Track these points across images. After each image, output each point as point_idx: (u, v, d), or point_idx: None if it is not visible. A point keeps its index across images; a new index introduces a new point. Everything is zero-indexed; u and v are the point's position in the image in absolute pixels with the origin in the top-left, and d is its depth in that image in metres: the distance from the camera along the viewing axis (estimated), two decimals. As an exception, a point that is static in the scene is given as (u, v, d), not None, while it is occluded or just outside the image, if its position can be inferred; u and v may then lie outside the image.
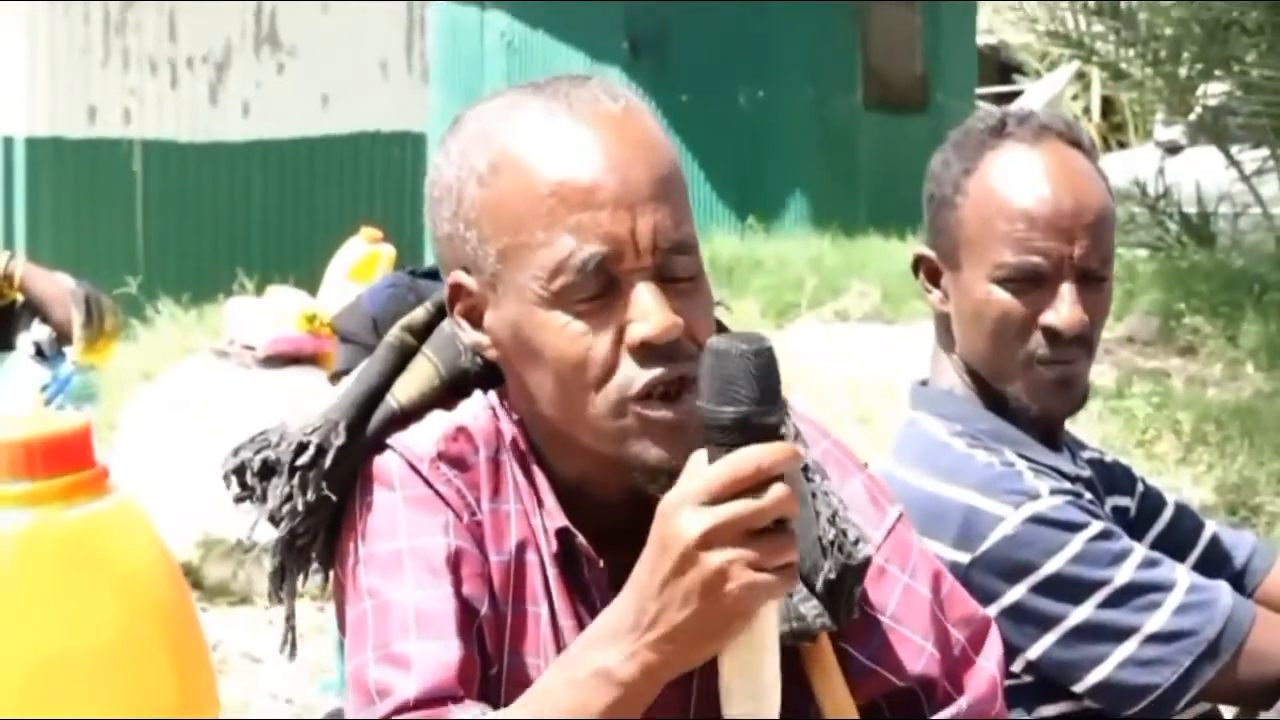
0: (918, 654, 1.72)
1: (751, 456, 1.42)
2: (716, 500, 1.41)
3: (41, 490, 2.18)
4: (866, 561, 1.65)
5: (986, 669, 1.77)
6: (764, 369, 1.44)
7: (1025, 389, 2.17)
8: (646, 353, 1.56)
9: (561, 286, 1.57)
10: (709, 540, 1.41)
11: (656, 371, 1.56)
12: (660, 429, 1.56)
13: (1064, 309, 2.13)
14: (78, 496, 2.20)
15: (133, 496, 2.31)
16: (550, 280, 1.58)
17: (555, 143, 1.59)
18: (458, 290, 1.66)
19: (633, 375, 1.57)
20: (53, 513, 2.18)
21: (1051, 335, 2.14)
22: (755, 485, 1.41)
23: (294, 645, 1.78)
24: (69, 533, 2.19)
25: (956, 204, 2.18)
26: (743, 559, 1.41)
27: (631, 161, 1.59)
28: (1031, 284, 2.14)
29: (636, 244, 1.57)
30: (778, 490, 1.42)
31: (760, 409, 1.43)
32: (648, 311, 1.56)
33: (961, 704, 1.74)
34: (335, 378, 4.20)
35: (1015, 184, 2.14)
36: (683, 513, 1.42)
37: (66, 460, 2.21)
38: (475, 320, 1.66)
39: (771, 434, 1.44)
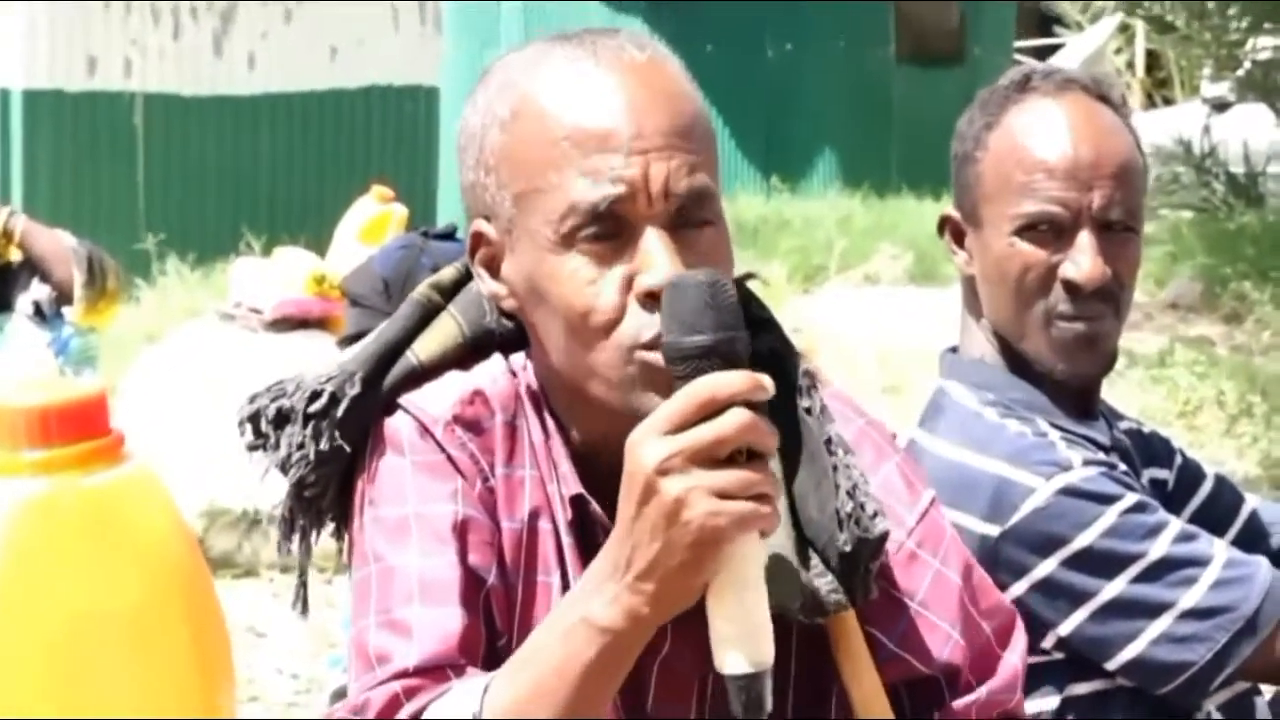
0: (944, 641, 1.73)
1: (707, 383, 1.44)
2: (677, 430, 1.43)
3: (58, 458, 2.24)
4: (884, 536, 1.65)
5: (1011, 661, 1.77)
6: (719, 298, 1.47)
7: (1047, 347, 2.16)
8: (653, 302, 1.56)
9: (571, 228, 1.58)
10: (665, 468, 1.43)
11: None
12: (665, 378, 1.53)
13: (1083, 260, 2.12)
14: (94, 464, 2.26)
15: (148, 463, 2.37)
16: (561, 223, 1.59)
17: (575, 88, 1.62)
18: (479, 239, 1.68)
19: (640, 323, 1.57)
20: (69, 480, 2.24)
21: (1071, 288, 2.13)
22: (713, 413, 1.43)
23: (305, 603, 1.81)
24: (86, 500, 2.25)
25: (977, 159, 2.19)
26: (703, 486, 1.42)
27: (650, 108, 1.60)
28: (1050, 235, 2.14)
29: (649, 189, 1.58)
30: (736, 414, 1.43)
31: (718, 337, 1.46)
32: (656, 260, 1.57)
33: (981, 692, 1.74)
34: (344, 342, 3.88)
35: (1034, 135, 2.15)
36: (643, 443, 1.45)
37: (83, 427, 2.26)
38: (495, 270, 1.68)
39: (736, 362, 1.46)
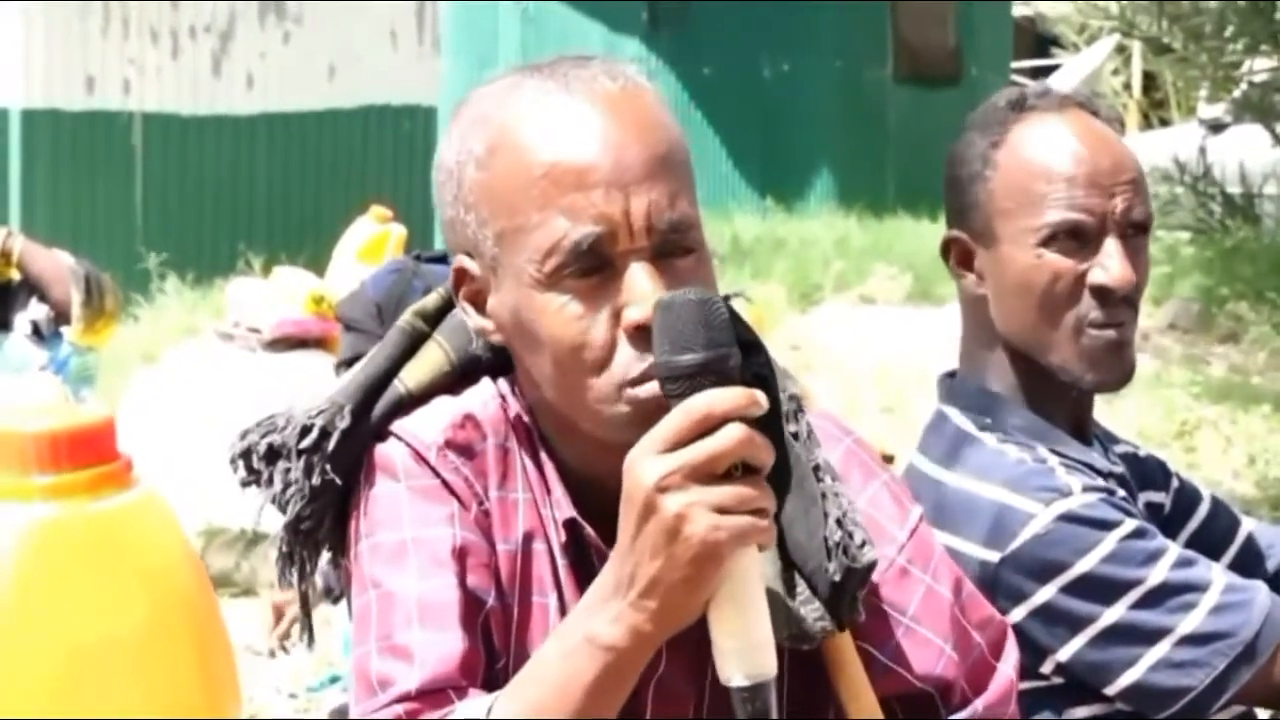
0: (937, 656, 1.74)
1: (703, 399, 1.45)
2: (673, 447, 1.44)
3: (67, 483, 2.25)
4: (871, 566, 1.65)
5: (1004, 673, 1.78)
6: (711, 316, 1.48)
7: (1076, 356, 2.16)
8: (641, 336, 1.56)
9: (554, 268, 1.58)
10: (664, 485, 1.44)
11: (651, 357, 1.55)
12: (654, 409, 1.54)
13: (1113, 265, 2.14)
14: (103, 489, 2.28)
15: (156, 488, 2.39)
16: (544, 262, 1.58)
17: (549, 123, 1.61)
18: (462, 275, 1.68)
19: (628, 359, 1.58)
20: (78, 505, 2.25)
21: (1101, 294, 2.14)
22: (710, 429, 1.44)
23: (311, 634, 1.83)
24: (95, 525, 2.26)
25: (987, 178, 2.19)
26: (702, 502, 1.43)
27: (626, 141, 1.60)
28: (1077, 243, 2.15)
29: (630, 224, 1.58)
30: (731, 430, 1.44)
31: (711, 354, 1.47)
32: (641, 294, 1.56)
33: (977, 706, 1.75)
34: (340, 366, 3.87)
35: (1049, 148, 2.16)
36: (641, 462, 1.45)
37: (92, 452, 2.28)
38: (479, 305, 1.67)
39: (729, 379, 1.47)
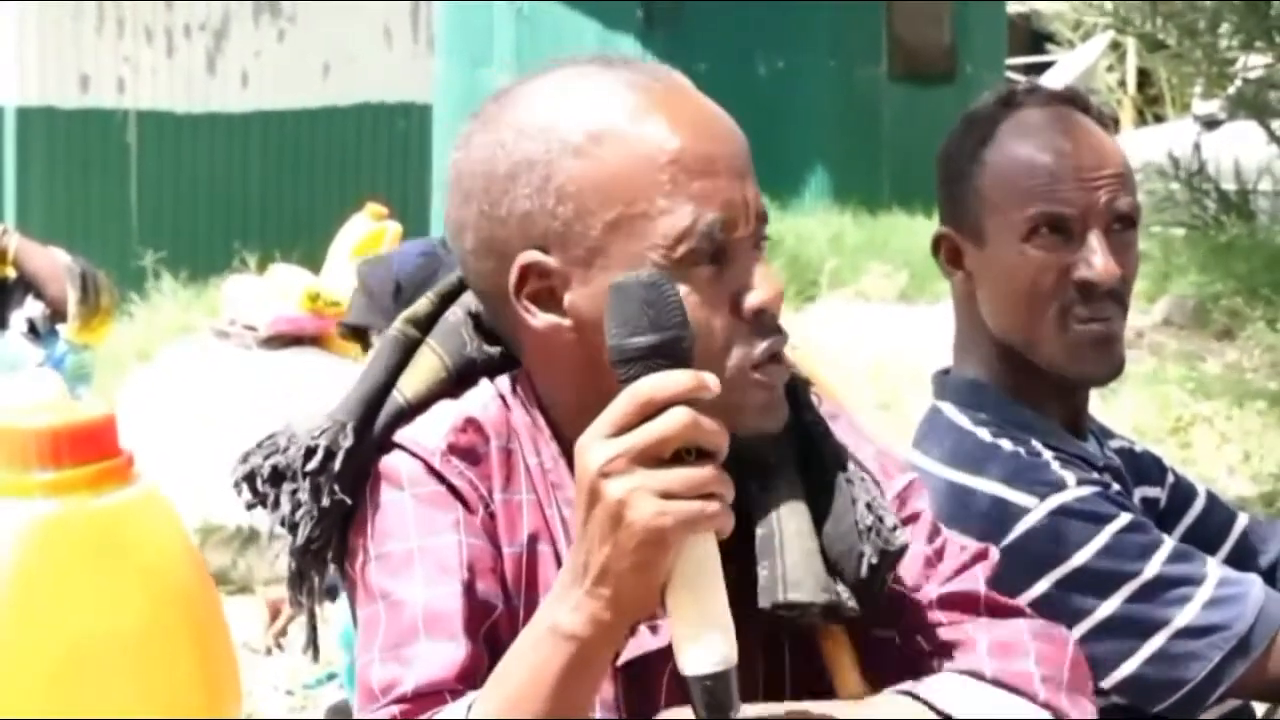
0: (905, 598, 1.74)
1: (648, 384, 1.44)
2: (619, 432, 1.44)
3: (68, 479, 2.25)
4: (904, 549, 1.67)
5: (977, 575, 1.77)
6: (661, 298, 1.47)
7: (1062, 351, 2.16)
8: (761, 320, 1.61)
9: (685, 253, 1.59)
10: (608, 470, 1.43)
11: (771, 338, 1.61)
12: (774, 391, 1.61)
13: (1096, 260, 2.14)
14: (104, 485, 2.28)
15: (157, 484, 2.40)
16: (673, 248, 1.59)
17: (657, 113, 1.62)
18: (528, 271, 1.64)
19: (750, 344, 1.61)
20: (79, 501, 2.26)
21: (1086, 288, 2.15)
22: (656, 413, 1.43)
23: (316, 646, 1.82)
24: (96, 521, 2.26)
25: (975, 175, 2.20)
26: (645, 487, 1.42)
27: (727, 131, 1.64)
28: (1061, 236, 2.15)
29: (747, 211, 1.62)
30: (676, 414, 1.43)
31: (662, 336, 1.46)
32: (760, 280, 1.61)
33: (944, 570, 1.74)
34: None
35: (1034, 143, 2.17)
36: (588, 447, 1.45)
37: (93, 448, 2.28)
38: (547, 302, 1.64)
39: (682, 362, 1.46)
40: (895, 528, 1.66)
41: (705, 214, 1.59)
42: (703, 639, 1.46)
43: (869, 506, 1.67)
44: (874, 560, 1.64)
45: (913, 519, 1.76)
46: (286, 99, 12.47)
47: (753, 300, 1.60)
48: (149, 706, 2.19)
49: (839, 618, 1.66)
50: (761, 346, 1.60)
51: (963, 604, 1.73)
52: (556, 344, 1.65)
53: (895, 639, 1.72)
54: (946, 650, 1.71)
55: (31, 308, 5.56)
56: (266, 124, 12.40)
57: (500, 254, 1.65)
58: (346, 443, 1.66)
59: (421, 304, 1.77)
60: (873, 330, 8.07)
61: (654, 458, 1.43)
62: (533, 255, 1.63)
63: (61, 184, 11.63)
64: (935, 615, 1.72)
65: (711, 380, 1.45)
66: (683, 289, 1.56)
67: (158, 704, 2.20)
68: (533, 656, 1.51)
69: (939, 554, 1.76)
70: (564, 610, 1.49)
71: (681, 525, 1.43)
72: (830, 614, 1.65)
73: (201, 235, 11.64)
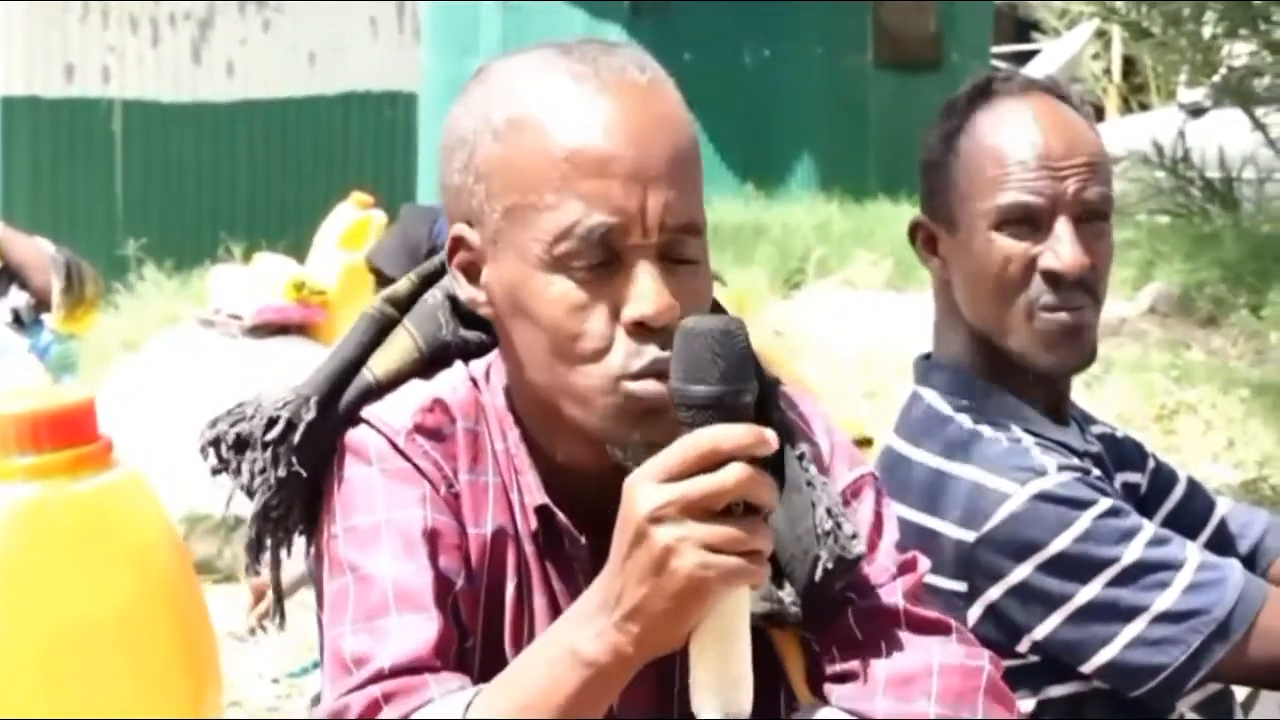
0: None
1: (709, 435, 1.43)
2: (674, 478, 1.43)
3: (48, 463, 2.25)
4: (860, 557, 1.67)
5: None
6: (732, 349, 1.45)
7: (1030, 340, 2.16)
8: (641, 332, 1.57)
9: (564, 252, 1.58)
10: (658, 516, 1.42)
11: (652, 353, 1.57)
12: (649, 406, 1.57)
13: (1063, 250, 2.13)
14: (84, 469, 2.28)
15: (137, 469, 2.39)
16: (554, 245, 1.59)
17: (576, 107, 1.60)
18: (458, 243, 1.67)
19: (628, 353, 1.58)
20: (59, 485, 2.25)
21: (1053, 279, 2.14)
22: (713, 464, 1.42)
23: (283, 616, 1.85)
24: (76, 505, 2.26)
25: (948, 163, 2.20)
26: (693, 538, 1.42)
27: (651, 136, 1.60)
28: (1028, 226, 2.15)
29: (644, 220, 1.58)
30: (734, 470, 1.42)
31: (725, 388, 1.44)
32: (647, 291, 1.57)
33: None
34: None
35: (1005, 132, 2.17)
36: (640, 488, 1.44)
37: (72, 433, 2.28)
38: (473, 275, 1.67)
39: (741, 415, 1.45)
40: (854, 535, 1.66)
41: (592, 215, 1.57)
42: (721, 689, 1.47)
43: (829, 512, 1.66)
44: (829, 565, 1.64)
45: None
46: (272, 88, 12.46)
47: (631, 311, 1.57)
48: (131, 689, 2.20)
49: (782, 624, 1.66)
50: (643, 361, 1.57)
51: (881, 617, 1.71)
52: (495, 320, 1.67)
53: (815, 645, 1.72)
54: (846, 677, 1.69)
55: (16, 297, 5.58)
56: (252, 113, 12.38)
57: (450, 222, 1.70)
58: (308, 415, 1.68)
59: (402, 284, 1.78)
60: (859, 318, 8.06)
61: (705, 510, 1.42)
62: (461, 228, 1.67)
63: (46, 173, 11.62)
64: (850, 629, 1.70)
65: (771, 436, 1.44)
66: (560, 285, 1.58)
67: (140, 686, 2.21)
68: (547, 673, 1.51)
69: (869, 560, 1.74)
70: (586, 636, 1.49)
71: (722, 579, 1.43)
72: (772, 621, 1.65)
73: (187, 224, 11.62)
